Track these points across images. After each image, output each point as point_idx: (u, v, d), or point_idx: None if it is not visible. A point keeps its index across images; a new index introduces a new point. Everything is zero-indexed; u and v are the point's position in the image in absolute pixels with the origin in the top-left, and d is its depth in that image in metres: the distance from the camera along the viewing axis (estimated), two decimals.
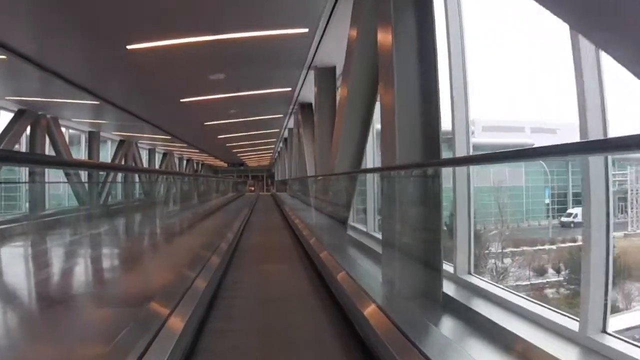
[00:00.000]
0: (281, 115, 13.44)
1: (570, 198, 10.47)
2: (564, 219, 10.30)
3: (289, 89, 9.59)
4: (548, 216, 10.53)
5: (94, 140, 15.68)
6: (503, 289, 3.31)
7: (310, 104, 10.87)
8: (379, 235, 6.10)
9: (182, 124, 14.26)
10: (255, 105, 11.24)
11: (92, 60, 6.98)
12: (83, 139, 16.00)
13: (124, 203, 15.58)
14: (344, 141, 6.02)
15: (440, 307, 3.30)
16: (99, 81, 8.46)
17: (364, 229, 6.61)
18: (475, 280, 3.61)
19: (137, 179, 15.88)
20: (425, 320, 2.79)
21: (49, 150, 12.81)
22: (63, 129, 13.74)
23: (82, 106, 10.87)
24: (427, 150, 3.51)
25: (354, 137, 5.97)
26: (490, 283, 3.46)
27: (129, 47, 5.84)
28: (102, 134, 16.15)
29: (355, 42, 5.51)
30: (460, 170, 3.66)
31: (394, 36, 3.67)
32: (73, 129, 15.21)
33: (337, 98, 8.07)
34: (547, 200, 10.43)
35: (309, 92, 9.63)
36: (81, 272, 4.83)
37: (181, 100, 9.60)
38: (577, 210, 10.32)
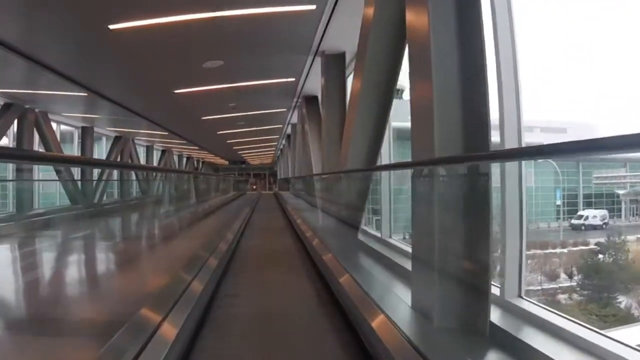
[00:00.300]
0: (284, 110, 12.74)
1: (580, 200, 9.98)
2: (574, 221, 9.80)
3: (293, 79, 8.85)
4: (559, 218, 10.01)
5: (87, 136, 14.92)
6: (571, 320, 2.61)
7: (316, 97, 10.24)
8: (396, 242, 5.45)
9: (179, 118, 13.51)
10: (256, 97, 10.54)
11: (73, 44, 6.25)
12: (76, 135, 15.28)
13: (119, 202, 15.09)
14: (357, 138, 5.31)
15: (487, 341, 2.62)
16: (85, 69, 7.74)
17: (378, 234, 5.90)
18: (528, 306, 2.90)
19: (133, 177, 15.41)
20: None
21: (38, 147, 12.13)
22: (54, 124, 13.02)
23: (72, 99, 10.15)
24: (472, 146, 2.81)
25: (368, 133, 5.26)
26: (552, 311, 2.75)
27: (111, 26, 5.12)
28: (96, 129, 15.40)
29: (372, 22, 4.79)
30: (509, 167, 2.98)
31: (431, 16, 2.96)
32: (65, 124, 14.47)
33: (348, 89, 7.44)
34: (558, 202, 9.93)
35: (314, 83, 8.94)
36: (67, 275, 4.59)
37: (175, 91, 8.87)
38: (588, 213, 9.86)
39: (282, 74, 8.54)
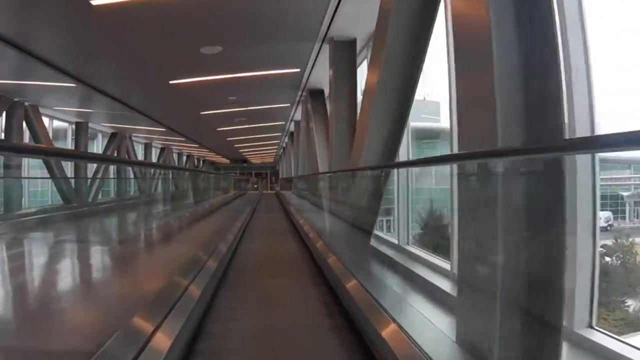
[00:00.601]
0: (287, 105, 12.11)
1: None
2: None
3: (297, 69, 8.22)
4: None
5: (81, 132, 14.31)
6: None
7: (322, 91, 9.65)
8: (415, 250, 4.85)
9: (177, 113, 12.88)
10: (257, 91, 9.93)
11: (58, 27, 5.66)
12: (70, 131, 14.65)
13: (115, 201, 14.53)
14: (373, 134, 4.73)
15: None
16: (73, 56, 7.11)
17: (394, 241, 5.29)
18: (603, 339, 2.31)
19: (130, 175, 14.83)
20: None
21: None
22: (45, 120, 12.40)
23: (63, 91, 9.52)
24: (535, 139, 2.21)
25: (385, 130, 4.68)
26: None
27: (93, 2, 4.50)
28: (91, 125, 14.76)
29: (393, 2, 4.19)
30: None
31: None
32: (57, 119, 13.84)
33: (358, 80, 6.84)
34: None
35: (320, 75, 8.33)
36: (54, 279, 4.21)
37: (170, 82, 8.24)
38: (600, 214, 9.51)
39: (285, 64, 7.91)
